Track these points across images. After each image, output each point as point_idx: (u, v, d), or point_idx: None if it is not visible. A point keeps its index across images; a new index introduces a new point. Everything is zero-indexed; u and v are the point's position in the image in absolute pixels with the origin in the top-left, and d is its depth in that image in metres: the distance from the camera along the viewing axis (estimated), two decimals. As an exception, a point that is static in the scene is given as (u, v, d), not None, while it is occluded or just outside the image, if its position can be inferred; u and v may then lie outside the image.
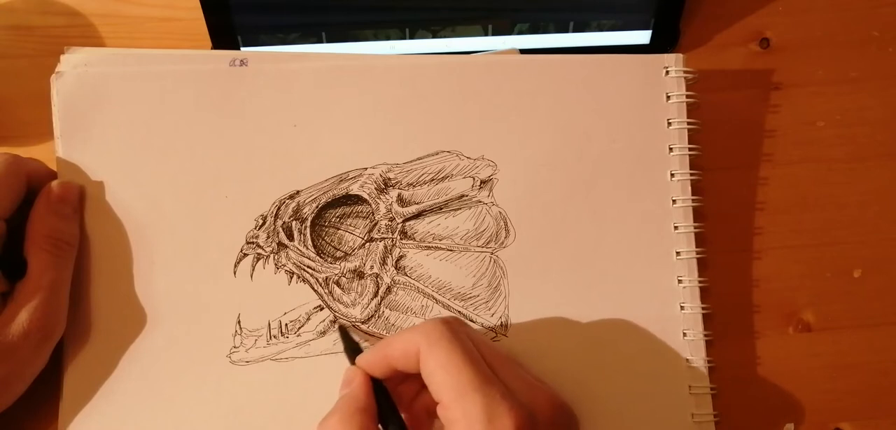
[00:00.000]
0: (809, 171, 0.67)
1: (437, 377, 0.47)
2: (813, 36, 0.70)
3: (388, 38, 0.66)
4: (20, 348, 0.52)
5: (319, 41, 0.66)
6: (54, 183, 0.57)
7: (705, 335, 0.60)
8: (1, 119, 0.66)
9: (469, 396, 0.46)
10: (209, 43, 0.65)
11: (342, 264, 0.59)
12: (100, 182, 0.59)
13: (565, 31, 0.66)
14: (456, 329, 0.49)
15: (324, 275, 0.59)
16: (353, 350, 0.55)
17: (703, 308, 0.60)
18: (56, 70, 0.59)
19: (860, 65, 0.69)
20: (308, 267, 0.59)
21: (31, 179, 0.57)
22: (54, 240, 0.55)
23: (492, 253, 0.60)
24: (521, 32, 0.66)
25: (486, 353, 0.50)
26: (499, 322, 0.59)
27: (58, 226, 0.56)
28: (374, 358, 0.52)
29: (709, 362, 0.60)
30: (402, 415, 0.51)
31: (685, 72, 0.62)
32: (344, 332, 0.57)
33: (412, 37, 0.66)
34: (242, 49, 0.65)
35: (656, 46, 0.68)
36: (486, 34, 0.66)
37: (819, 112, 0.68)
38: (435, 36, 0.66)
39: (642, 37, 0.67)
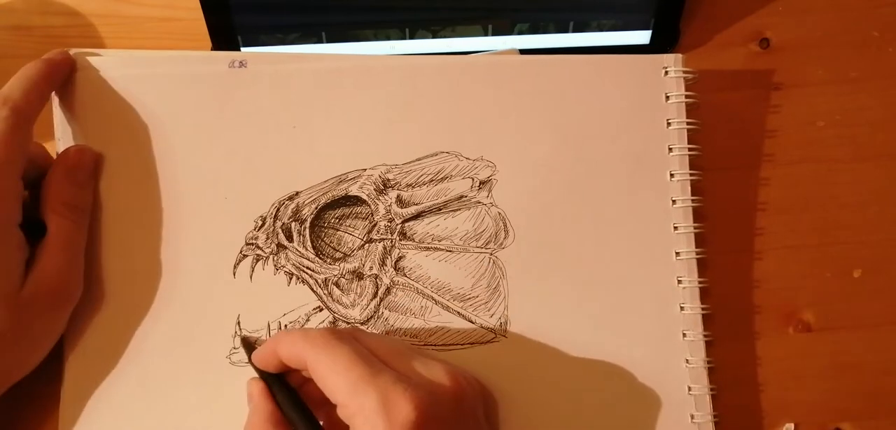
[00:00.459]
0: (810, 171, 0.67)
1: (328, 381, 0.48)
2: (813, 36, 0.70)
3: (388, 38, 0.66)
4: (40, 310, 0.53)
5: (319, 41, 0.66)
6: (71, 148, 0.58)
7: (705, 336, 0.60)
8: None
9: (361, 390, 0.46)
10: (209, 43, 0.65)
11: (341, 265, 0.59)
12: (99, 184, 0.59)
13: (565, 31, 0.66)
14: (340, 333, 0.50)
15: (323, 276, 0.59)
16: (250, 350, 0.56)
17: (702, 309, 0.60)
18: None
19: (860, 65, 0.69)
20: (307, 268, 0.59)
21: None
22: (71, 205, 0.56)
23: (491, 254, 0.60)
24: (521, 32, 0.66)
25: (378, 347, 0.50)
26: (498, 323, 0.59)
27: (74, 191, 0.56)
28: (265, 353, 0.52)
29: (708, 362, 0.60)
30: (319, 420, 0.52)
31: (684, 72, 0.62)
32: (246, 343, 0.57)
33: (412, 37, 0.66)
34: (242, 49, 0.65)
35: (656, 46, 0.68)
36: (486, 34, 0.66)
37: (819, 112, 0.68)
38: (435, 36, 0.66)
39: (642, 37, 0.67)
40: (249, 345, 0.56)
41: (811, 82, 0.69)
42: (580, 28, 0.66)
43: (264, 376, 0.53)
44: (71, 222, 0.55)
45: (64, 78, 0.59)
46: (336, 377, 0.47)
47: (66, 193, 0.56)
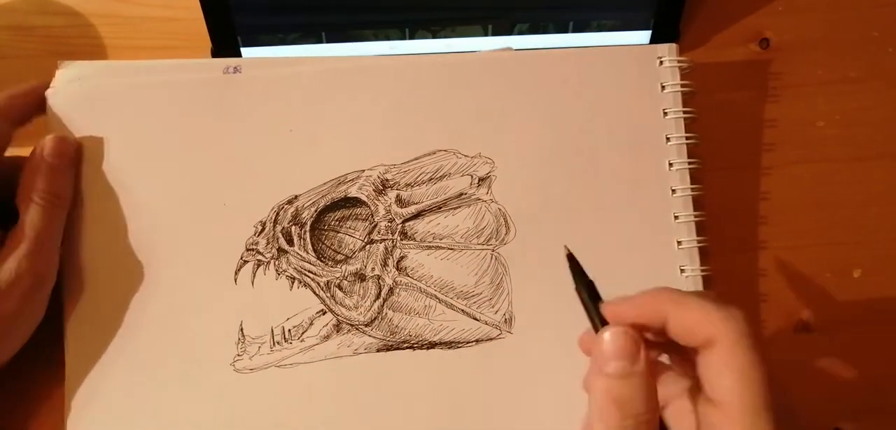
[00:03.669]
0: (809, 171, 0.67)
1: (728, 381, 0.43)
2: (813, 36, 0.70)
3: (387, 38, 0.66)
4: (10, 296, 0.53)
5: (319, 41, 0.66)
6: (49, 137, 0.57)
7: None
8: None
9: (763, 418, 0.42)
10: (209, 43, 0.65)
11: (343, 267, 0.59)
12: (97, 196, 0.59)
13: (565, 31, 0.66)
14: (757, 333, 0.45)
15: (325, 279, 0.59)
16: (589, 291, 0.51)
17: (707, 296, 0.60)
18: (50, 86, 0.59)
19: (860, 65, 0.70)
20: (309, 272, 0.59)
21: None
22: (46, 194, 0.55)
23: (493, 250, 0.60)
24: (520, 32, 0.66)
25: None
26: (503, 319, 0.59)
27: (50, 180, 0.56)
28: (649, 309, 0.47)
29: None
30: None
31: (679, 61, 0.62)
32: (573, 260, 0.53)
33: (412, 37, 0.66)
34: (242, 49, 0.65)
35: (656, 47, 0.68)
36: (485, 34, 0.66)
37: (819, 112, 0.69)
38: (435, 36, 0.66)
39: (642, 37, 0.67)
40: (578, 267, 0.52)
41: (811, 82, 0.69)
42: (580, 28, 0.66)
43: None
44: (42, 209, 0.55)
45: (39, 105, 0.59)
46: (743, 387, 0.42)
47: (40, 180, 0.56)
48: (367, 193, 0.60)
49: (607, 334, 0.46)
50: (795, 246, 0.66)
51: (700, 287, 0.60)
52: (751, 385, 0.42)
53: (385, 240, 0.59)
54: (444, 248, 0.60)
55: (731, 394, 0.42)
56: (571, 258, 0.52)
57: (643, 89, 0.62)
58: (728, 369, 0.43)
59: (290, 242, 0.59)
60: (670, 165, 0.61)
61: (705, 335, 0.44)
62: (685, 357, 0.48)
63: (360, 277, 0.59)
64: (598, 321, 0.49)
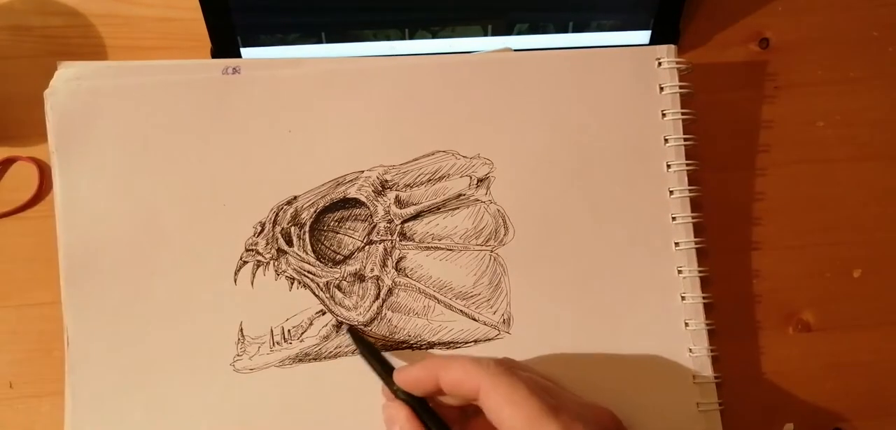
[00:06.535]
0: (809, 171, 0.67)
1: (505, 412, 0.47)
2: (813, 36, 0.70)
3: (387, 38, 0.66)
4: None
5: (319, 41, 0.65)
6: None
7: (707, 325, 0.60)
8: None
9: (543, 424, 0.46)
10: (209, 43, 0.65)
11: (342, 267, 0.59)
12: (96, 197, 0.59)
13: (565, 31, 0.66)
14: (511, 365, 0.50)
15: (324, 279, 0.59)
16: (378, 360, 0.56)
17: (704, 298, 0.60)
18: (49, 86, 0.59)
19: (860, 65, 0.70)
20: (308, 272, 0.59)
21: None
22: None
23: (491, 251, 0.60)
24: (520, 32, 0.66)
25: (542, 384, 0.50)
26: (501, 319, 0.59)
27: None
28: (418, 376, 0.51)
29: (712, 350, 0.59)
30: None
31: (678, 62, 0.62)
32: (356, 335, 0.57)
33: (412, 37, 0.66)
34: (242, 49, 0.65)
35: (656, 47, 0.68)
36: (485, 34, 0.66)
37: (819, 112, 0.68)
38: (435, 36, 0.66)
39: (642, 37, 0.67)
40: (362, 341, 0.57)
41: (811, 82, 0.69)
42: (580, 28, 0.66)
43: (412, 400, 0.52)
44: None
45: None
46: (514, 409, 0.47)
47: None
48: (366, 194, 0.60)
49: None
50: (795, 246, 0.66)
51: (697, 288, 0.60)
52: (520, 407, 0.47)
53: (384, 241, 0.59)
54: (442, 248, 0.60)
55: (511, 420, 0.47)
56: (353, 331, 0.58)
57: (642, 91, 0.62)
58: (494, 404, 0.48)
59: (289, 242, 0.59)
60: (668, 166, 0.61)
61: (471, 387, 0.49)
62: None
63: (360, 277, 0.59)
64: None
